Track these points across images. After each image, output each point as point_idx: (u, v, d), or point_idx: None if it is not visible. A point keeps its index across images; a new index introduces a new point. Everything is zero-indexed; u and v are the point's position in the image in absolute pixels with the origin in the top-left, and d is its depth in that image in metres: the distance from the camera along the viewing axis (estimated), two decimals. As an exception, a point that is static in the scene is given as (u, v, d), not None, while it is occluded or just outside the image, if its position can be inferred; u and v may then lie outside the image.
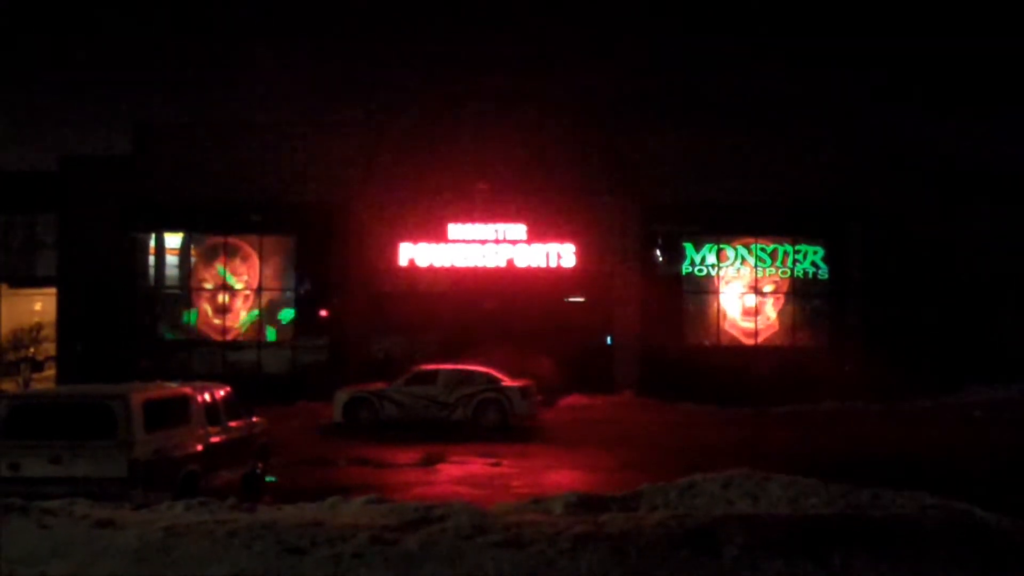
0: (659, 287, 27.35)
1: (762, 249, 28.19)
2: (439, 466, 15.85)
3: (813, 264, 28.34)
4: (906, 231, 27.71)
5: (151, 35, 23.99)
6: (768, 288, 28.39)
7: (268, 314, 26.79)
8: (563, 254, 26.91)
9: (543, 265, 26.84)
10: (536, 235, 26.83)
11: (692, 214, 27.56)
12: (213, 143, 26.29)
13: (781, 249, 28.26)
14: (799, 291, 28.35)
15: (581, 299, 27.23)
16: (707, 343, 27.92)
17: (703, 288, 28.21)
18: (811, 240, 28.24)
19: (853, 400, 24.84)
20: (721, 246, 28.13)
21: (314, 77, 26.20)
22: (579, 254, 26.95)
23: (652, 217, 27.60)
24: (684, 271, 28.03)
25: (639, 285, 27.21)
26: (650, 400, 24.94)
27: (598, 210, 27.14)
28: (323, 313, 26.79)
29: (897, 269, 27.64)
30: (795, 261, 28.32)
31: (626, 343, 26.97)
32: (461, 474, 15.10)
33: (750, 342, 28.13)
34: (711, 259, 28.14)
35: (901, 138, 28.13)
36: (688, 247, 28.07)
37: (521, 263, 26.79)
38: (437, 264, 26.65)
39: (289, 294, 26.83)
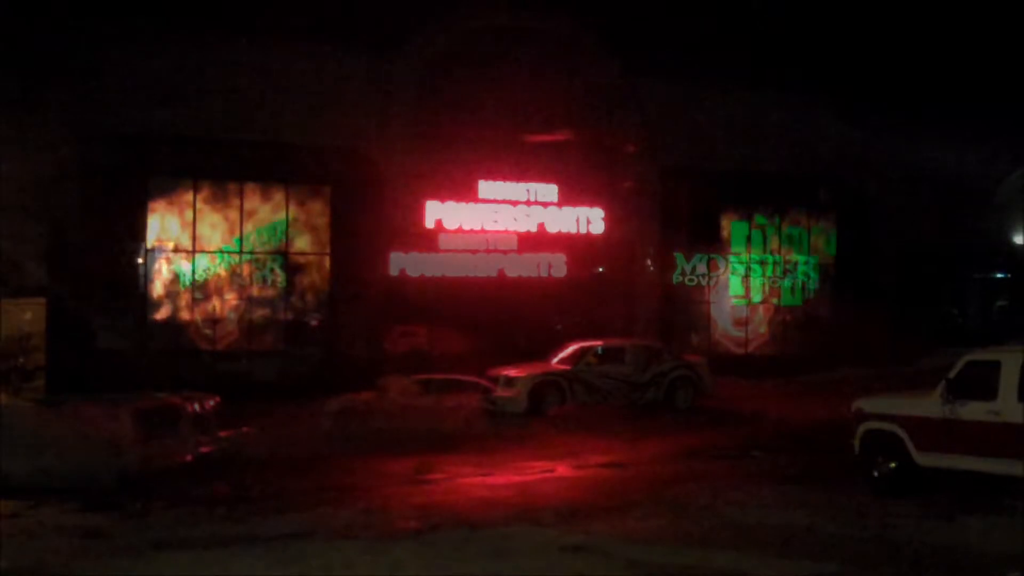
0: (650, 296, 27.42)
1: (753, 259, 28.34)
2: (430, 475, 15.81)
3: (804, 274, 28.49)
4: (899, 239, 27.86)
5: (143, 39, 23.92)
6: (758, 298, 28.51)
7: (262, 323, 26.72)
8: (554, 264, 26.99)
9: (534, 275, 26.94)
10: (526, 245, 26.95)
11: (682, 224, 27.69)
12: (205, 151, 26.22)
13: (771, 259, 28.40)
14: (789, 301, 28.47)
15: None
16: (699, 351, 27.99)
17: (693, 298, 28.31)
18: (801, 250, 28.42)
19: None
20: (711, 256, 28.25)
21: (309, 75, 26.00)
22: (569, 264, 27.03)
23: (642, 227, 27.71)
24: (675, 280, 28.17)
25: (630, 294, 27.27)
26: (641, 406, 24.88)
27: (590, 219, 27.26)
28: (314, 323, 26.79)
29: (890, 278, 27.76)
30: (785, 271, 28.45)
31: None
32: (452, 483, 15.06)
33: (740, 351, 28.25)
34: (701, 269, 28.26)
35: (887, 151, 28.31)
36: (678, 257, 28.17)
37: (512, 272, 26.86)
38: (428, 273, 26.64)
39: (282, 303, 26.79)
